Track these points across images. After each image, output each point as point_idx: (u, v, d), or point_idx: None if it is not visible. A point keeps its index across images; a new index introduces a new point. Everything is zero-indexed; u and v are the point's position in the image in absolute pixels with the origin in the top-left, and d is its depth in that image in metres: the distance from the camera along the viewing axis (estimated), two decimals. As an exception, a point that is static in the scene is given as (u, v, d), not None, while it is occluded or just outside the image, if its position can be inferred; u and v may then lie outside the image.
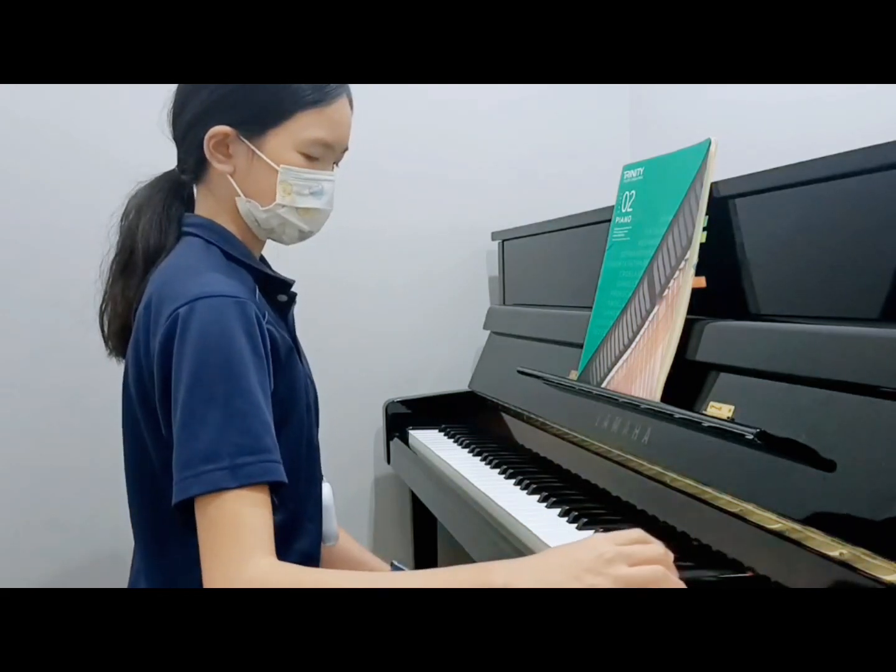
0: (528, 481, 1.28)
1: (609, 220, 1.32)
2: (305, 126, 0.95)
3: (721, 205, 1.10)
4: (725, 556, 0.93)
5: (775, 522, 0.85)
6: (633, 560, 0.73)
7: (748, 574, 0.88)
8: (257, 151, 0.95)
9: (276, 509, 0.85)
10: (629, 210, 1.27)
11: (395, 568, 1.19)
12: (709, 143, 1.10)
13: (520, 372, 1.49)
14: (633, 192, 1.27)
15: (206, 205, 1.00)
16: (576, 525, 1.07)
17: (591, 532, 1.04)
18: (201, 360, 0.82)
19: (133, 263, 0.98)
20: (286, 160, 0.95)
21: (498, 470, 1.39)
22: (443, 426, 1.80)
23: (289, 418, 0.95)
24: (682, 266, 1.09)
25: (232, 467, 0.79)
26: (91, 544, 1.74)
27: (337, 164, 1.03)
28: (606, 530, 1.02)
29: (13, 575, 1.66)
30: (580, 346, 1.31)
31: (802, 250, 0.99)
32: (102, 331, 1.02)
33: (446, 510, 1.43)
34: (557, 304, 1.63)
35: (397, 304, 1.96)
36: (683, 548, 0.96)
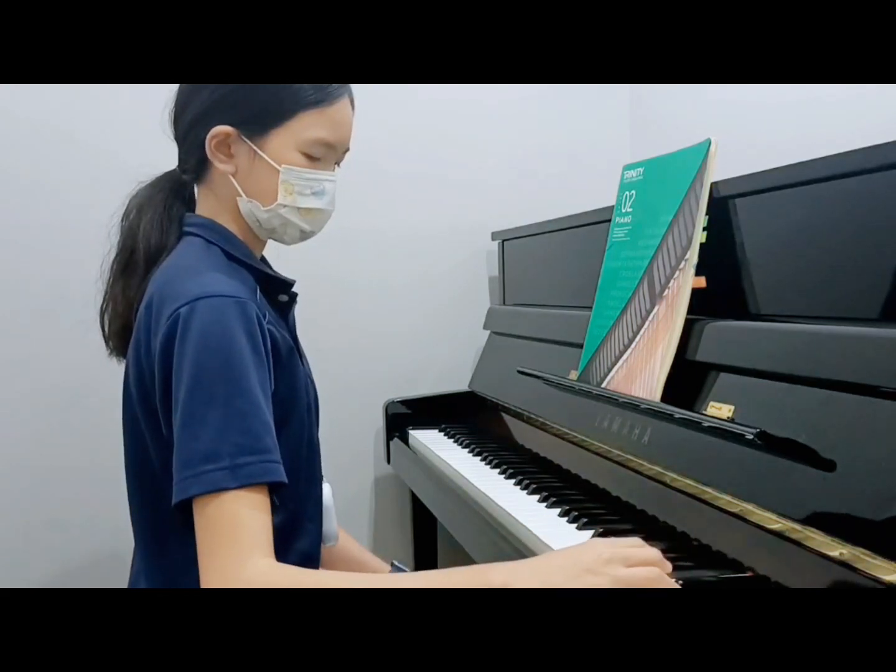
0: (528, 481, 1.28)
1: (609, 220, 1.32)
2: (307, 126, 0.95)
3: (721, 205, 1.10)
4: (725, 556, 0.93)
5: (775, 522, 0.85)
6: (630, 562, 0.76)
7: (748, 574, 0.88)
8: (259, 151, 0.95)
9: (276, 509, 0.84)
10: (629, 210, 1.27)
11: (395, 568, 1.19)
12: (709, 143, 1.10)
13: (520, 372, 1.49)
14: (633, 192, 1.27)
15: (207, 205, 1.00)
16: (576, 525, 1.07)
17: (591, 532, 1.04)
18: (202, 360, 0.82)
19: (134, 263, 0.98)
20: (288, 160, 0.95)
21: (498, 470, 1.39)
22: (443, 426, 1.80)
23: (289, 418, 0.95)
24: (682, 266, 1.09)
25: (232, 467, 0.79)
26: (91, 544, 1.74)
27: (338, 165, 1.03)
28: (606, 530, 1.02)
29: (13, 575, 1.66)
30: (580, 346, 1.31)
31: (802, 250, 0.99)
32: (103, 331, 1.02)
33: (446, 510, 1.43)
34: (557, 304, 1.63)
35: (397, 304, 1.96)
36: (683, 548, 0.97)
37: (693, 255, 1.08)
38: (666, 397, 1.07)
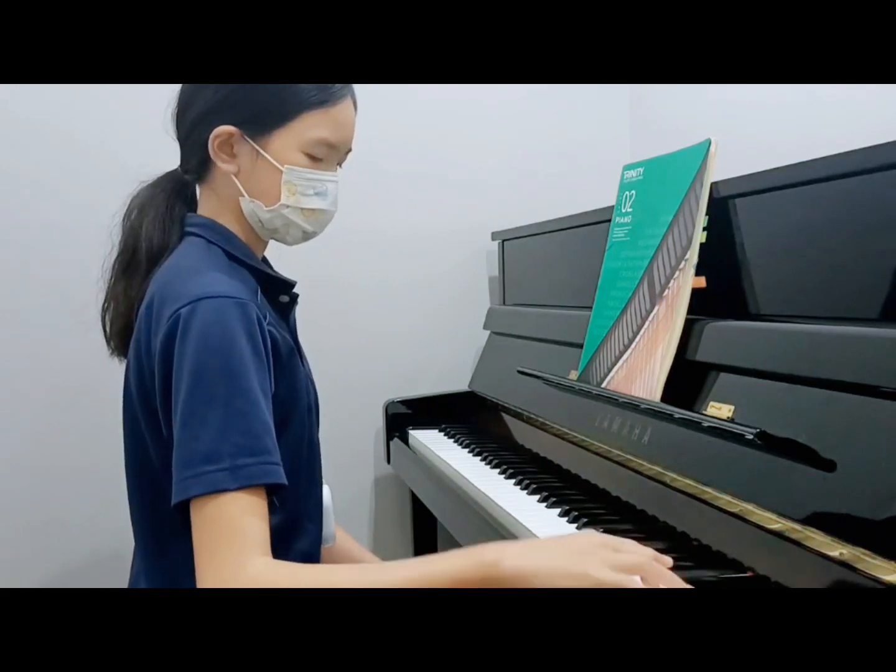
0: (528, 481, 1.28)
1: (609, 220, 1.32)
2: (310, 126, 0.95)
3: (721, 205, 1.10)
4: (725, 556, 0.93)
5: (775, 522, 0.85)
6: (622, 549, 0.76)
7: (748, 574, 0.88)
8: (262, 151, 0.95)
9: (276, 510, 0.85)
10: (629, 210, 1.27)
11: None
12: (709, 143, 1.10)
13: (520, 372, 1.49)
14: (633, 192, 1.27)
15: (209, 205, 1.00)
16: (576, 525, 1.07)
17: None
18: (202, 360, 0.82)
19: (136, 263, 0.98)
20: (290, 160, 0.95)
21: (498, 470, 1.40)
22: (443, 426, 1.80)
23: (290, 419, 0.95)
24: (682, 266, 1.09)
25: (232, 468, 0.79)
26: (91, 544, 1.74)
27: (340, 165, 1.03)
28: (606, 530, 1.02)
29: (13, 575, 1.66)
30: (580, 346, 1.31)
31: (802, 250, 0.99)
32: (105, 330, 1.02)
33: (446, 510, 1.43)
34: (557, 304, 1.63)
35: (397, 304, 1.96)
36: (683, 548, 0.97)
37: (693, 255, 1.08)
38: (666, 397, 1.07)
